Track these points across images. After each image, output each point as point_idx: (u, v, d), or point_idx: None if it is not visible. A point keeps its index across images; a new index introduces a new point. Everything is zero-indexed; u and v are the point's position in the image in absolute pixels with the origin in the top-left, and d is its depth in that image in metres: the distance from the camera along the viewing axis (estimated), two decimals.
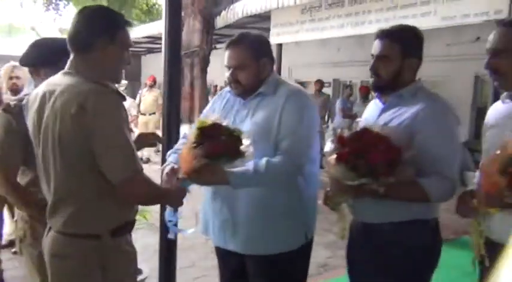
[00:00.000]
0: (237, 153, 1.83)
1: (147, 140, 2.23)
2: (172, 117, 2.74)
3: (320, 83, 10.05)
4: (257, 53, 2.12)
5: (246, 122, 2.11)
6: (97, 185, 1.65)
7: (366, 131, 1.70)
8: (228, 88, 2.30)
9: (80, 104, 1.56)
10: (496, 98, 5.58)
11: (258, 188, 2.03)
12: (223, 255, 2.30)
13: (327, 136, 1.91)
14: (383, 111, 1.98)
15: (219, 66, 2.20)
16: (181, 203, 1.92)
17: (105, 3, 12.81)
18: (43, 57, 2.20)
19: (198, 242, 4.29)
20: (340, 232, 1.92)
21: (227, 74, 2.13)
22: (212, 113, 2.32)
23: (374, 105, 2.12)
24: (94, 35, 1.69)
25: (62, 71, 1.74)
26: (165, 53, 2.71)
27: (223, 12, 8.56)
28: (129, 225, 1.85)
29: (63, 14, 18.67)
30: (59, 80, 1.71)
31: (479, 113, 8.90)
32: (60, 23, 21.07)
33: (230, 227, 2.13)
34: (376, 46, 1.94)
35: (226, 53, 2.13)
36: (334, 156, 1.66)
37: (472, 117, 9.51)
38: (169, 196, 1.89)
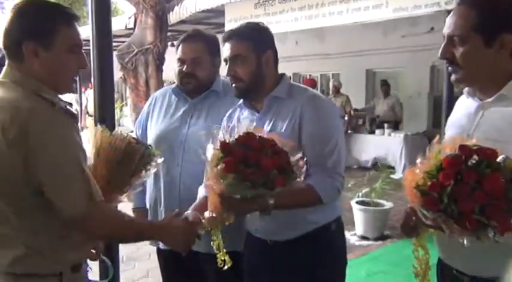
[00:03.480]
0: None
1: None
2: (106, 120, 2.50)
3: None
4: (213, 50, 2.13)
5: (199, 122, 2.08)
6: (50, 220, 1.38)
7: (249, 135, 1.51)
8: (167, 87, 2.29)
9: (20, 126, 1.28)
10: (450, 87, 5.64)
11: None
12: (172, 257, 2.19)
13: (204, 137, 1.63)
14: (260, 120, 1.82)
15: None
16: (187, 246, 1.61)
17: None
18: None
19: (153, 250, 4.13)
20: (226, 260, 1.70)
21: (183, 67, 2.09)
22: (151, 116, 2.27)
23: (242, 116, 1.92)
24: (22, 39, 1.37)
25: None
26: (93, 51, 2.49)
27: (176, 8, 8.32)
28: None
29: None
30: None
31: (436, 102, 9.00)
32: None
33: None
34: (226, 49, 1.81)
35: (182, 47, 2.11)
36: (221, 165, 1.42)
37: (430, 107, 9.64)
38: (164, 233, 1.59)
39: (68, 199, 1.35)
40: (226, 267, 1.71)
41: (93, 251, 1.77)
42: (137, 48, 8.44)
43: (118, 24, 9.02)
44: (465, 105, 1.49)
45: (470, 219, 1.07)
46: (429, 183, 1.13)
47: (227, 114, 1.99)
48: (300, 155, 1.53)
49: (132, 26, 8.84)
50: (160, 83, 8.78)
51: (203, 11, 8.16)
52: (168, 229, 1.60)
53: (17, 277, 1.40)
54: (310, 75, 11.52)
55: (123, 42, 9.12)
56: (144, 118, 2.30)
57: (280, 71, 1.90)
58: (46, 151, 1.31)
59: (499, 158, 1.12)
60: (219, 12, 8.33)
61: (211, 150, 1.52)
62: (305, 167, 1.53)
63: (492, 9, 1.32)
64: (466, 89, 1.47)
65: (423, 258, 1.37)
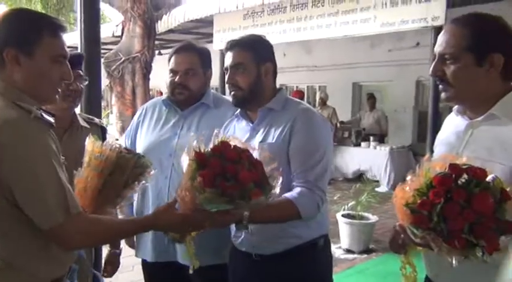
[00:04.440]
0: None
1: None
2: None
3: None
4: (206, 62, 2.16)
5: (188, 134, 2.00)
6: (24, 233, 1.33)
7: (224, 144, 1.48)
8: (158, 98, 2.31)
9: None
10: (436, 102, 5.65)
11: None
12: (158, 270, 2.21)
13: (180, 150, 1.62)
14: (254, 130, 1.85)
15: (164, 72, 2.19)
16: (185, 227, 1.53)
17: (39, 7, 12.15)
18: None
19: (137, 261, 4.07)
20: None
21: (175, 78, 2.09)
22: (141, 127, 2.25)
23: (238, 126, 1.94)
24: (4, 46, 1.35)
25: None
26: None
27: (165, 17, 8.30)
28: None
29: None
30: None
31: (421, 116, 9.10)
32: None
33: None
34: (228, 58, 1.85)
35: (175, 58, 2.12)
36: (199, 179, 1.37)
37: (415, 121, 9.72)
38: (159, 222, 1.49)
39: (42, 213, 1.30)
40: (191, 270, 1.67)
41: None
42: (124, 57, 8.38)
43: (105, 31, 8.96)
44: (454, 123, 1.49)
45: (459, 238, 1.07)
46: (419, 201, 1.13)
47: (224, 125, 1.98)
48: (275, 165, 1.52)
49: (119, 33, 8.78)
50: (147, 92, 8.72)
51: (192, 21, 8.15)
52: (163, 215, 1.51)
53: None
54: (297, 86, 11.58)
55: (110, 49, 9.05)
56: (133, 128, 2.27)
57: None
58: (18, 163, 1.27)
59: (488, 178, 1.13)
60: (208, 22, 8.33)
61: (186, 161, 1.47)
62: (280, 178, 1.51)
63: (484, 29, 1.33)
64: (455, 107, 1.48)
65: (411, 275, 1.36)
